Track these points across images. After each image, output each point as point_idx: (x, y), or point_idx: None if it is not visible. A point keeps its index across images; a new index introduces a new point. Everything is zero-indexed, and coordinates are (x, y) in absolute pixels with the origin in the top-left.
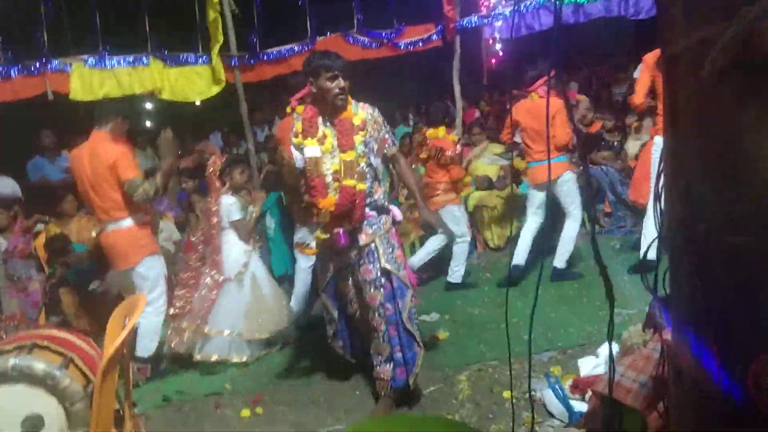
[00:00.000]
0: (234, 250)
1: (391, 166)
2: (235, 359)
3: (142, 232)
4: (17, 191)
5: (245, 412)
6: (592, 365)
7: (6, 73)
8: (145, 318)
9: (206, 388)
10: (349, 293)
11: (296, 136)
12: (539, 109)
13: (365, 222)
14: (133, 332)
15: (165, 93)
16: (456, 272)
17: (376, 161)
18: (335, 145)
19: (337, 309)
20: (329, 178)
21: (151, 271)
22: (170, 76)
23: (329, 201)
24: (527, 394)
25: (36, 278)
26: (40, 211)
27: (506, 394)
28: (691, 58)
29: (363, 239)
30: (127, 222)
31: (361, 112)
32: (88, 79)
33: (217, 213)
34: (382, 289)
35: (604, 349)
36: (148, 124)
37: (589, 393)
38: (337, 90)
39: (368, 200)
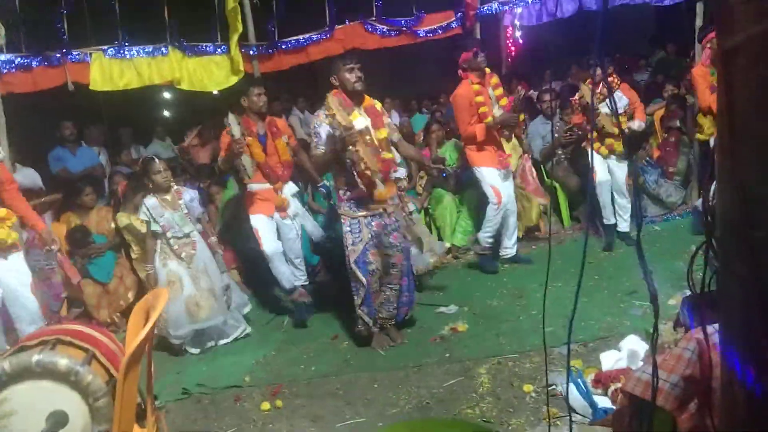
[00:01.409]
0: None
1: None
2: None
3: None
4: (38, 182)
5: (265, 405)
6: (614, 359)
7: (27, 64)
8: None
9: (225, 381)
10: (376, 260)
11: (332, 116)
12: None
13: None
14: (155, 328)
15: (184, 83)
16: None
17: None
18: (369, 125)
19: (365, 277)
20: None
21: None
22: (189, 66)
23: (376, 167)
24: (548, 389)
25: (58, 270)
26: (62, 202)
27: (526, 387)
28: (752, 51)
29: (390, 209)
30: None
31: (377, 102)
32: (107, 70)
33: None
34: (403, 251)
35: (626, 343)
36: (166, 114)
37: (612, 387)
38: (355, 78)
39: None
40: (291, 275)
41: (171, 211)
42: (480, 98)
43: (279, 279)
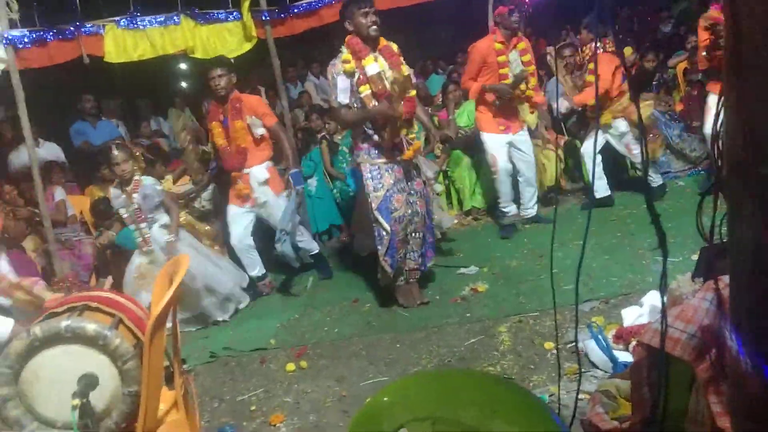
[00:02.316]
0: None
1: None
2: None
3: None
4: (61, 156)
5: (290, 366)
6: (636, 315)
7: (41, 38)
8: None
9: (251, 344)
10: (401, 206)
11: (347, 62)
12: None
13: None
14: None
15: (197, 52)
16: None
17: None
18: (387, 66)
19: (389, 224)
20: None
21: None
22: (202, 35)
23: (399, 108)
24: (569, 345)
25: (86, 241)
26: (85, 175)
27: (547, 345)
28: None
29: (410, 154)
30: None
31: (392, 43)
32: (121, 41)
33: None
34: (425, 198)
35: (648, 299)
36: (184, 84)
37: (634, 343)
38: (370, 23)
39: None
40: (258, 264)
41: (129, 203)
42: (503, 58)
43: (246, 267)
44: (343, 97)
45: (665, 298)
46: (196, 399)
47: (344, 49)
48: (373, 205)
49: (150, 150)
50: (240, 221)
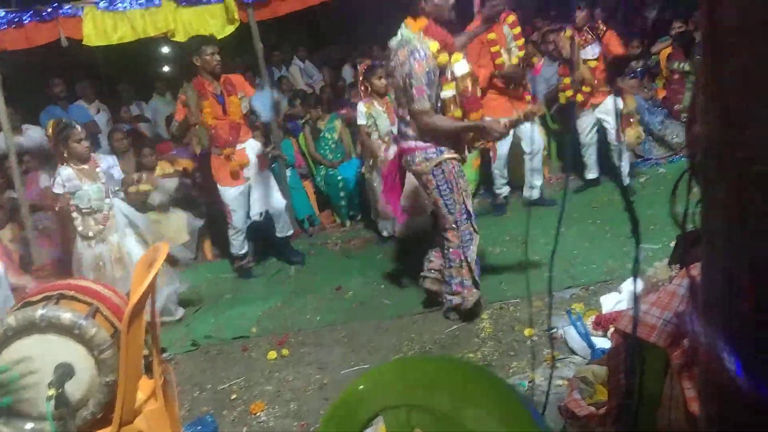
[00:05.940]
0: None
1: None
2: None
3: None
4: (45, 142)
5: (272, 354)
6: (614, 301)
7: (18, 19)
8: None
9: (233, 332)
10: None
11: (435, 56)
12: None
13: None
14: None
15: (179, 35)
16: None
17: None
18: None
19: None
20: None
21: None
22: (183, 17)
23: (479, 114)
24: (548, 332)
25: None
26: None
27: (527, 331)
28: None
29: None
30: None
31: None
32: (101, 24)
33: None
34: None
35: (627, 285)
36: (166, 69)
37: (612, 329)
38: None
39: None
40: (245, 243)
41: (89, 182)
42: (492, 35)
43: (234, 245)
44: None
45: (638, 284)
46: (176, 388)
47: (415, 34)
48: (467, 204)
49: (131, 135)
50: (242, 203)
